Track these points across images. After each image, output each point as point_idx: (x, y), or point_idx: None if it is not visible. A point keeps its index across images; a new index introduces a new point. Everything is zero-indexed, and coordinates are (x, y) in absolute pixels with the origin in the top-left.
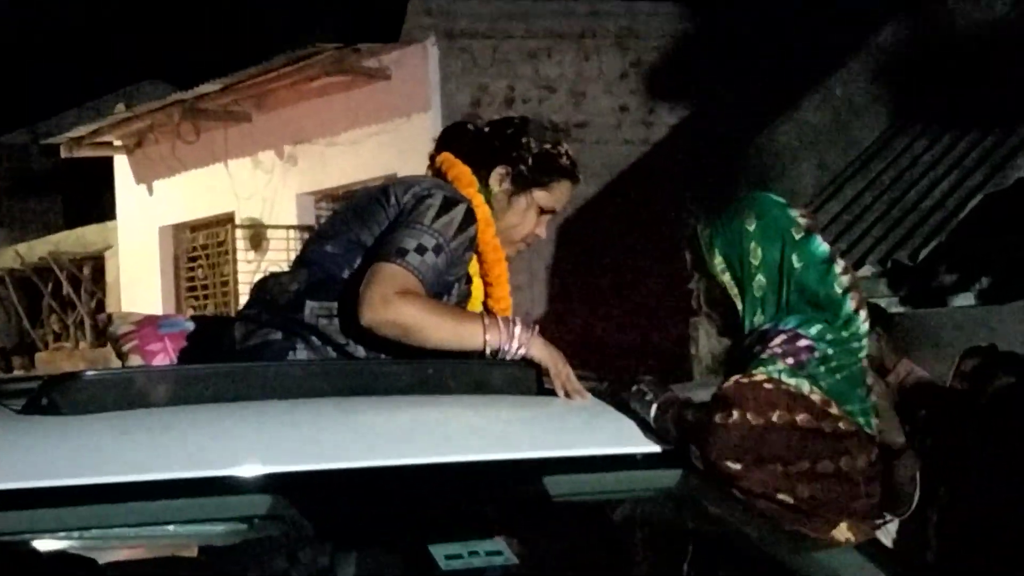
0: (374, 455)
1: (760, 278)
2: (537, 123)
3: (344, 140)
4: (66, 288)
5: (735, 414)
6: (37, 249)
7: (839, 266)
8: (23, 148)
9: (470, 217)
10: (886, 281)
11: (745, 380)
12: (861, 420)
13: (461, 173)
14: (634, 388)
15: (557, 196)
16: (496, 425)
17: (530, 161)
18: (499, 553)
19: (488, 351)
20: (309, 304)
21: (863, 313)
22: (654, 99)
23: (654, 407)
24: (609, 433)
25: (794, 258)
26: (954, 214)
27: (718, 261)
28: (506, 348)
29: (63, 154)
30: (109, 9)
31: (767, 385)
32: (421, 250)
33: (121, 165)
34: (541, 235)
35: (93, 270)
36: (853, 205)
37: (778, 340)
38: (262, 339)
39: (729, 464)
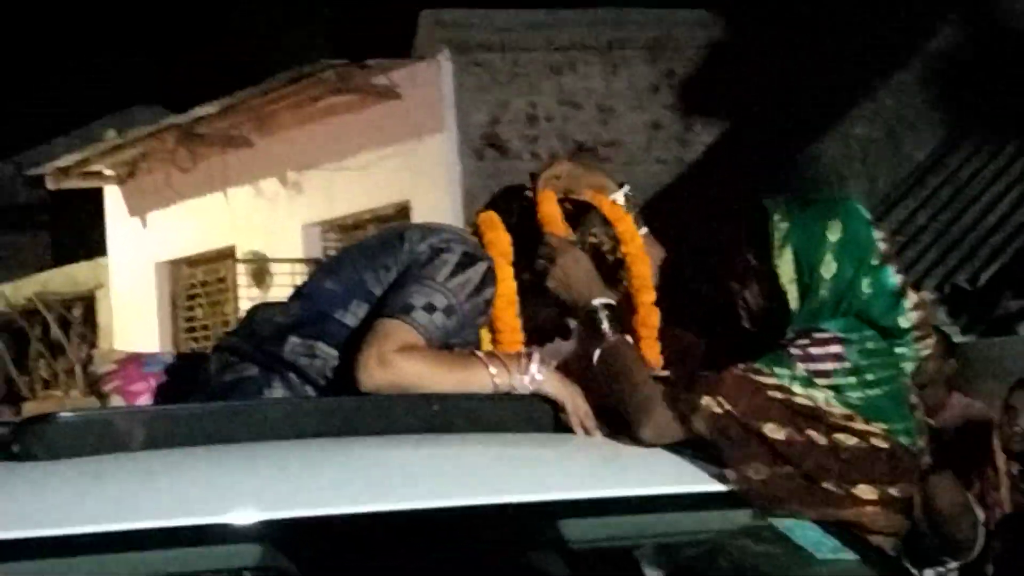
0: (375, 499)
1: (823, 293)
2: (599, 217)
3: (352, 165)
4: (55, 331)
5: (724, 405)
6: (23, 289)
7: (909, 301)
8: (7, 180)
9: (489, 279)
10: (945, 308)
11: (746, 375)
12: (904, 439)
13: (498, 240)
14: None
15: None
16: (509, 465)
17: None
18: None
19: (498, 387)
20: (292, 340)
21: (925, 342)
22: (688, 115)
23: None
24: (637, 472)
25: (864, 284)
26: (1017, 234)
27: (787, 259)
28: (518, 386)
29: (50, 185)
30: (97, 28)
31: (770, 393)
32: (430, 308)
33: (112, 196)
34: None
35: (84, 311)
36: (907, 225)
37: (805, 341)
38: (237, 375)
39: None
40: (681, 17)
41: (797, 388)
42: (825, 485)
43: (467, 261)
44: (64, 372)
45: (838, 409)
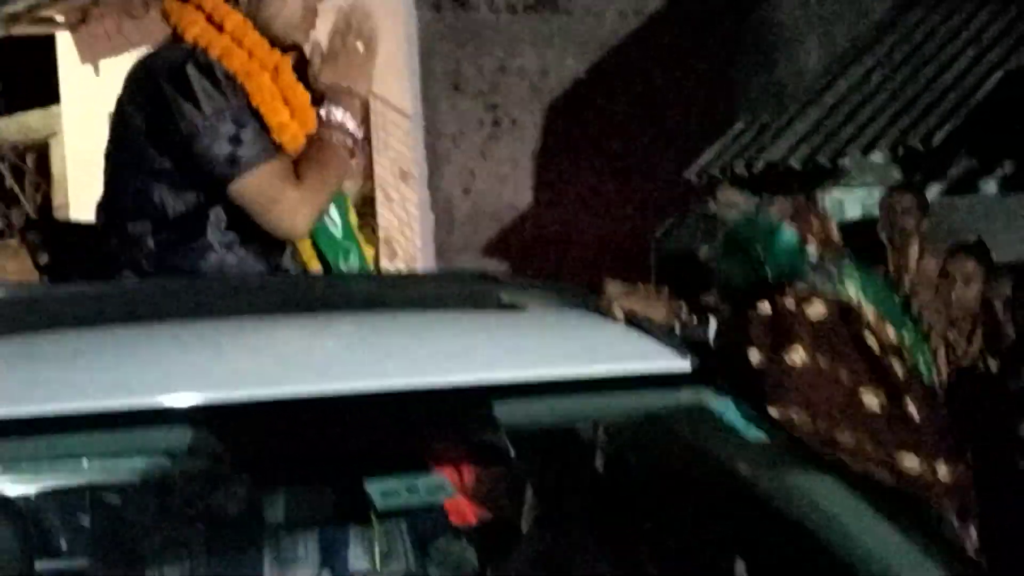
0: (306, 382)
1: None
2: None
3: None
4: (9, 180)
5: (798, 354)
6: None
7: (812, 246)
8: None
9: (207, 69)
10: (899, 168)
11: (792, 305)
12: (921, 362)
13: (185, 16)
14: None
15: None
16: (452, 343)
17: None
18: (441, 488)
19: (352, 145)
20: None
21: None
22: None
23: (713, 323)
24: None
25: (758, 248)
26: (971, 94)
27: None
28: (351, 127)
29: (0, 31)
30: None
31: (819, 307)
32: (235, 140)
33: (65, 43)
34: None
35: (37, 159)
36: (862, 85)
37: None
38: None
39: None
40: None
41: (829, 288)
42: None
43: (183, 78)
44: (19, 221)
45: (871, 311)
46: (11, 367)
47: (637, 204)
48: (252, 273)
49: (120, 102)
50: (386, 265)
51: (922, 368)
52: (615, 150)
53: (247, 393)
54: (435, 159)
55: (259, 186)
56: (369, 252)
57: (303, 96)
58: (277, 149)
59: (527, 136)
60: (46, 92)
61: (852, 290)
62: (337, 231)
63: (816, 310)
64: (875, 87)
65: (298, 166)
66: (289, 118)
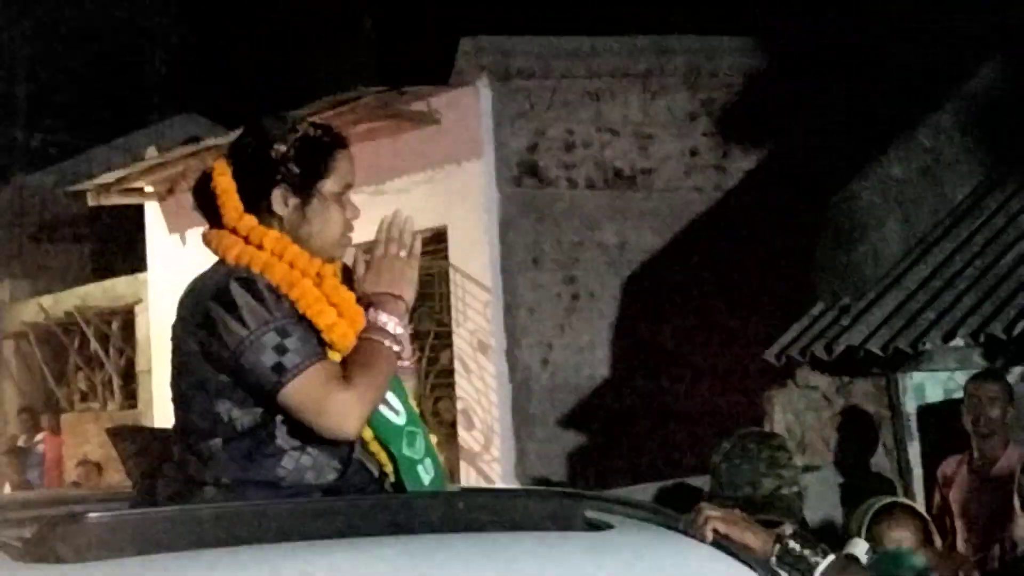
0: None
1: None
2: (269, 121)
3: (390, 189)
4: (93, 344)
5: None
6: (63, 302)
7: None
8: (47, 191)
9: (249, 285)
10: (981, 355)
11: None
12: None
13: (223, 243)
14: (782, 544)
15: (343, 172)
16: (538, 569)
17: (294, 165)
18: None
19: (399, 348)
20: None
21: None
22: (726, 143)
23: (821, 567)
24: None
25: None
26: None
27: None
28: (398, 330)
29: (91, 202)
30: (139, 44)
31: None
32: (280, 350)
33: (153, 212)
34: (357, 214)
35: (123, 325)
36: (942, 269)
37: None
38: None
39: None
40: (720, 45)
41: None
42: None
43: (228, 296)
44: (101, 385)
45: None
46: None
47: (715, 381)
48: (324, 495)
49: (174, 328)
50: (463, 436)
51: None
52: (692, 326)
53: None
54: (514, 331)
55: (305, 390)
56: (434, 438)
57: (348, 296)
58: (328, 350)
59: (605, 310)
60: (133, 259)
61: None
62: (399, 419)
63: None
64: (956, 272)
65: (345, 368)
66: (337, 318)
